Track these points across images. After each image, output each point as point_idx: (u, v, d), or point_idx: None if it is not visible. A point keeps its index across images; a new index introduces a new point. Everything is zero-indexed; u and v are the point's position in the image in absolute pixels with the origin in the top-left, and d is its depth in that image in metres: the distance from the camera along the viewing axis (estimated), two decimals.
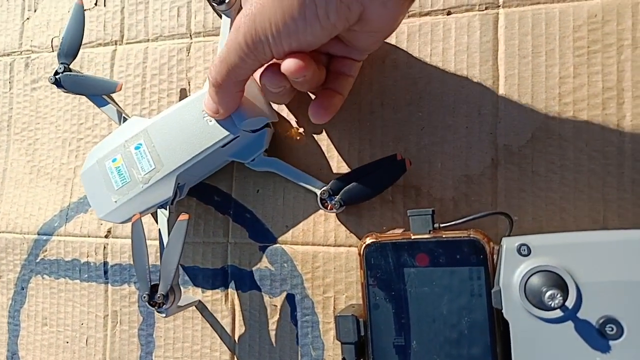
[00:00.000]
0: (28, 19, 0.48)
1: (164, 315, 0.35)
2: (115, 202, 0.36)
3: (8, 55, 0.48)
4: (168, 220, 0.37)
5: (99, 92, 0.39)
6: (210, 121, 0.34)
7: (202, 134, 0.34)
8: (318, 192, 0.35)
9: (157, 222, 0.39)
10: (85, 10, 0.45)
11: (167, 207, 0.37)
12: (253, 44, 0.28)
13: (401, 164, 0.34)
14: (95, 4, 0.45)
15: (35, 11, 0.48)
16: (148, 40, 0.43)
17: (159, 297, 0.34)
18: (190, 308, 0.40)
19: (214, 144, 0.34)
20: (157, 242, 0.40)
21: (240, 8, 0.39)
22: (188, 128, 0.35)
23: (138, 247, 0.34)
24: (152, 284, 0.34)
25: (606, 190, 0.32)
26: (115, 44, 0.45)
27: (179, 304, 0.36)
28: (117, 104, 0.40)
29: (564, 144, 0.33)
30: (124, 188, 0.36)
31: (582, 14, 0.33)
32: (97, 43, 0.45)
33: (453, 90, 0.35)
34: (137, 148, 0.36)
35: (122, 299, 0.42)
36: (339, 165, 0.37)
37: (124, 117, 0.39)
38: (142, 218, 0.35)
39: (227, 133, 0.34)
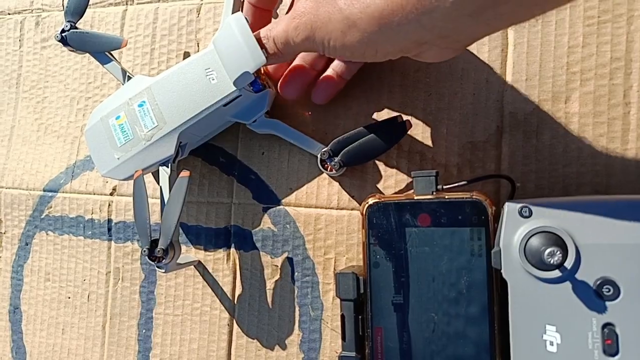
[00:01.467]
0: None
1: (163, 270, 0.35)
2: (118, 158, 0.36)
3: (19, 13, 0.49)
4: (169, 178, 0.37)
5: (105, 49, 0.40)
6: (213, 80, 0.34)
7: (205, 93, 0.34)
8: (318, 153, 0.35)
9: (158, 181, 0.40)
10: None
11: (169, 165, 0.37)
12: (303, 42, 0.28)
13: (402, 126, 0.34)
14: None
15: None
16: (159, 0, 0.44)
17: (158, 252, 0.34)
18: (192, 267, 0.40)
19: (215, 102, 0.34)
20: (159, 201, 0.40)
21: None
22: (191, 86, 0.35)
23: (139, 203, 0.35)
24: (152, 239, 0.35)
25: (610, 159, 0.32)
26: (126, 3, 0.45)
27: (178, 261, 0.36)
28: (120, 63, 0.41)
29: (569, 113, 0.33)
30: (126, 145, 0.36)
31: None
32: (107, 3, 0.45)
33: (462, 57, 0.35)
34: (140, 106, 0.36)
35: (125, 256, 0.43)
36: (345, 130, 0.37)
37: (128, 75, 0.40)
38: (145, 177, 0.35)
39: (230, 91, 0.34)
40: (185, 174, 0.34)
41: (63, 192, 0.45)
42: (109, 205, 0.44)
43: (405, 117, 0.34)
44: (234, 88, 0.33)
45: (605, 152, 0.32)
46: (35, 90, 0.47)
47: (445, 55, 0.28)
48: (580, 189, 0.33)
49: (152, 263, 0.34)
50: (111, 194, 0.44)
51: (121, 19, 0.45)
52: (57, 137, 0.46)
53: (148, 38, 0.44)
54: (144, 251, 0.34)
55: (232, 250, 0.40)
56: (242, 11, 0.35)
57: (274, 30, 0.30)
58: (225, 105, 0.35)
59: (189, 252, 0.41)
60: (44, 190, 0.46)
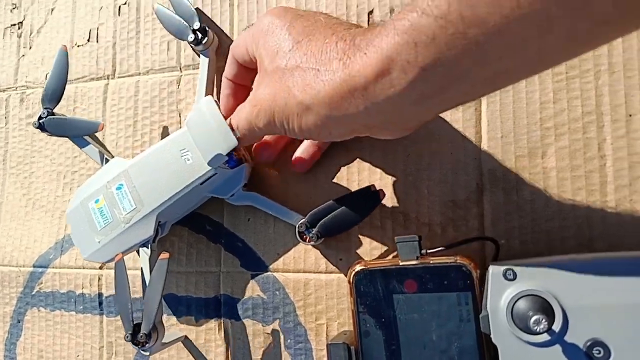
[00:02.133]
0: (23, 55, 0.49)
1: (147, 353, 0.35)
2: (99, 242, 0.36)
3: (4, 91, 0.49)
4: (150, 259, 0.37)
5: (82, 133, 0.41)
6: (189, 160, 0.35)
7: (181, 173, 0.35)
8: (296, 225, 0.36)
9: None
10: (78, 46, 0.47)
11: (149, 245, 0.37)
12: (265, 127, 0.30)
13: (375, 195, 0.34)
14: (88, 40, 0.46)
15: (30, 48, 0.49)
16: (139, 73, 0.44)
17: (141, 337, 0.34)
18: (179, 342, 0.40)
19: (192, 182, 0.35)
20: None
21: (218, 46, 0.41)
22: (167, 167, 0.35)
23: (120, 287, 0.35)
24: (134, 322, 0.35)
25: (590, 212, 0.32)
26: (108, 78, 0.46)
27: (163, 340, 0.36)
28: (100, 144, 0.42)
29: (546, 167, 0.33)
30: (106, 228, 0.36)
31: None
32: (89, 77, 0.46)
33: (437, 118, 0.36)
34: (118, 189, 0.36)
35: (117, 329, 0.43)
36: (322, 196, 0.37)
37: (105, 158, 0.40)
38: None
39: (205, 171, 0.34)
40: (164, 255, 0.34)
41: (53, 268, 0.45)
42: (99, 279, 0.43)
43: (378, 187, 0.35)
44: (209, 168, 0.34)
45: (586, 205, 0.33)
46: (22, 165, 0.48)
47: (396, 134, 0.30)
48: (564, 242, 0.33)
49: (136, 347, 0.34)
50: (101, 268, 0.44)
51: (103, 93, 0.45)
52: (45, 212, 0.46)
53: (130, 111, 0.44)
54: (127, 337, 0.34)
55: (223, 319, 0.40)
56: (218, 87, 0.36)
57: (238, 117, 0.31)
58: (201, 184, 0.35)
59: (181, 323, 0.41)
60: (34, 266, 0.46)
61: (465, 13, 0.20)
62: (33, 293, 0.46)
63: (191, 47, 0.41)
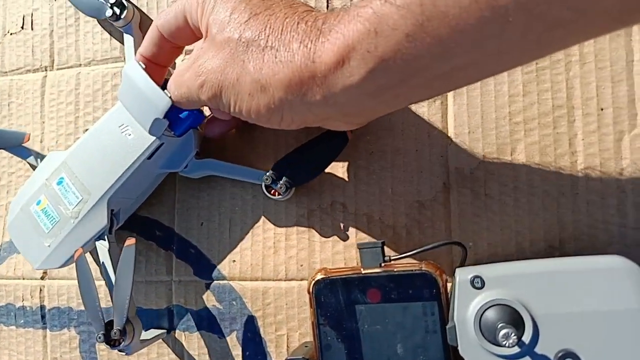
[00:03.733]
0: None
1: (126, 353, 0.32)
2: (49, 245, 0.33)
3: None
4: (110, 251, 0.34)
5: (5, 145, 0.38)
6: (129, 135, 0.32)
7: (124, 151, 0.32)
8: (261, 181, 0.33)
9: (96, 260, 0.36)
10: (11, 34, 0.42)
11: (106, 237, 0.34)
12: (209, 100, 0.27)
13: (342, 136, 0.32)
14: (22, 28, 0.42)
15: None
16: (80, 65, 0.40)
17: (115, 333, 0.31)
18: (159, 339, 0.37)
19: (138, 158, 0.32)
20: (102, 282, 0.37)
21: (140, 21, 0.37)
22: (108, 148, 0.32)
23: (85, 284, 0.32)
24: (106, 321, 0.32)
25: (561, 212, 0.31)
26: (45, 69, 0.41)
27: (141, 337, 0.33)
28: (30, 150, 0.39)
29: (516, 165, 0.31)
30: (54, 229, 0.33)
31: None
32: (25, 69, 0.42)
33: (401, 112, 0.33)
34: (59, 183, 0.33)
35: (62, 344, 0.39)
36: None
37: (40, 157, 0.38)
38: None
39: (149, 142, 0.31)
40: (130, 241, 0.32)
41: None
42: (41, 290, 0.40)
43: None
44: (153, 138, 0.31)
45: (556, 204, 0.31)
46: None
47: (348, 127, 0.29)
48: (534, 245, 0.31)
49: (112, 348, 0.31)
50: (42, 278, 0.40)
51: (41, 86, 0.41)
52: None
53: (71, 105, 0.40)
54: (99, 337, 0.31)
55: (177, 331, 0.37)
56: None
57: (177, 82, 0.29)
58: (149, 157, 0.32)
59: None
60: None
61: (426, 3, 0.20)
62: None
63: (111, 23, 0.37)
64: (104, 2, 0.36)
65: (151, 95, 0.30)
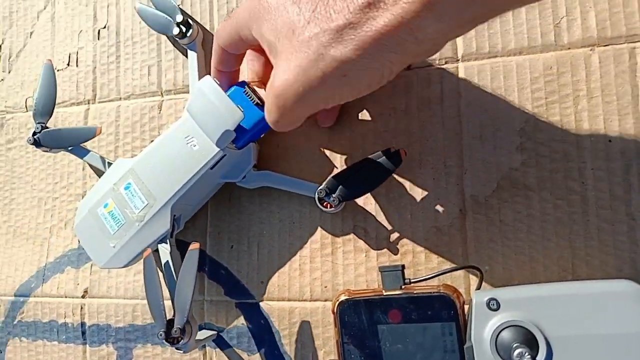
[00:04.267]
0: (2, 80, 0.48)
1: (182, 351, 0.34)
2: (114, 246, 0.36)
3: None
4: (171, 254, 0.36)
5: (80, 141, 0.40)
6: (195, 146, 0.34)
7: (189, 160, 0.34)
8: (315, 192, 0.35)
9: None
10: (57, 70, 0.46)
11: (167, 241, 0.36)
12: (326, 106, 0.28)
13: (396, 154, 0.34)
14: (68, 65, 0.46)
15: (9, 72, 0.48)
16: (120, 98, 0.44)
17: (176, 332, 0.33)
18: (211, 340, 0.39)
19: (202, 168, 0.34)
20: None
21: (203, 38, 0.40)
22: (174, 157, 0.35)
23: (151, 283, 0.34)
24: (167, 319, 0.34)
25: (573, 238, 0.32)
26: (88, 103, 0.45)
27: (196, 338, 0.35)
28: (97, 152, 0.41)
29: (529, 193, 0.33)
30: (120, 231, 0.36)
31: (538, 66, 0.34)
32: (70, 102, 0.46)
33: (418, 141, 0.36)
34: (126, 188, 0.36)
35: (101, 359, 0.42)
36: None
37: (108, 162, 0.40)
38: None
39: (214, 153, 0.34)
40: (195, 246, 0.34)
41: (34, 297, 0.44)
42: (82, 308, 0.43)
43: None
44: (217, 150, 0.34)
45: (568, 230, 0.32)
46: (2, 192, 0.47)
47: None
48: (547, 269, 0.33)
49: (171, 345, 0.33)
50: (83, 297, 0.43)
51: (84, 118, 0.45)
52: (26, 239, 0.46)
53: (112, 136, 0.44)
54: (160, 335, 0.33)
55: (208, 348, 0.39)
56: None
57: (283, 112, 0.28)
58: (211, 168, 0.35)
59: (164, 353, 0.40)
60: (15, 295, 0.45)
61: None
62: (15, 322, 0.45)
63: (176, 40, 0.41)
64: (171, 20, 0.39)
65: (225, 109, 0.32)
